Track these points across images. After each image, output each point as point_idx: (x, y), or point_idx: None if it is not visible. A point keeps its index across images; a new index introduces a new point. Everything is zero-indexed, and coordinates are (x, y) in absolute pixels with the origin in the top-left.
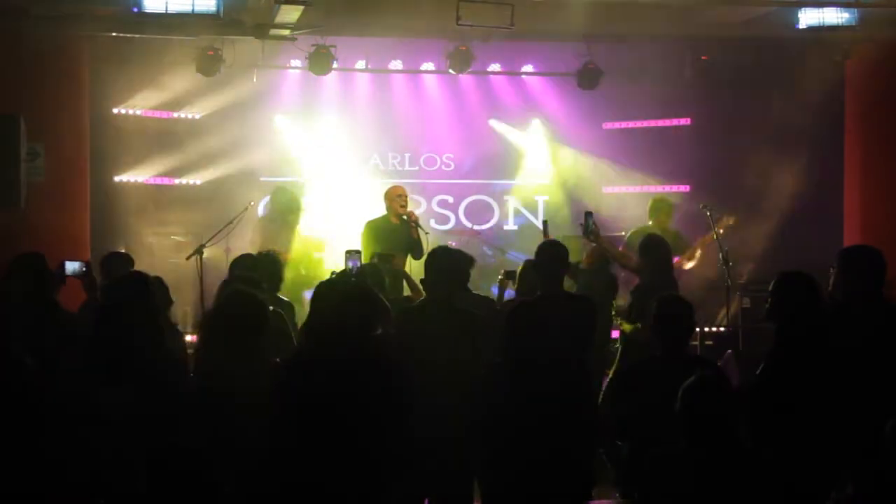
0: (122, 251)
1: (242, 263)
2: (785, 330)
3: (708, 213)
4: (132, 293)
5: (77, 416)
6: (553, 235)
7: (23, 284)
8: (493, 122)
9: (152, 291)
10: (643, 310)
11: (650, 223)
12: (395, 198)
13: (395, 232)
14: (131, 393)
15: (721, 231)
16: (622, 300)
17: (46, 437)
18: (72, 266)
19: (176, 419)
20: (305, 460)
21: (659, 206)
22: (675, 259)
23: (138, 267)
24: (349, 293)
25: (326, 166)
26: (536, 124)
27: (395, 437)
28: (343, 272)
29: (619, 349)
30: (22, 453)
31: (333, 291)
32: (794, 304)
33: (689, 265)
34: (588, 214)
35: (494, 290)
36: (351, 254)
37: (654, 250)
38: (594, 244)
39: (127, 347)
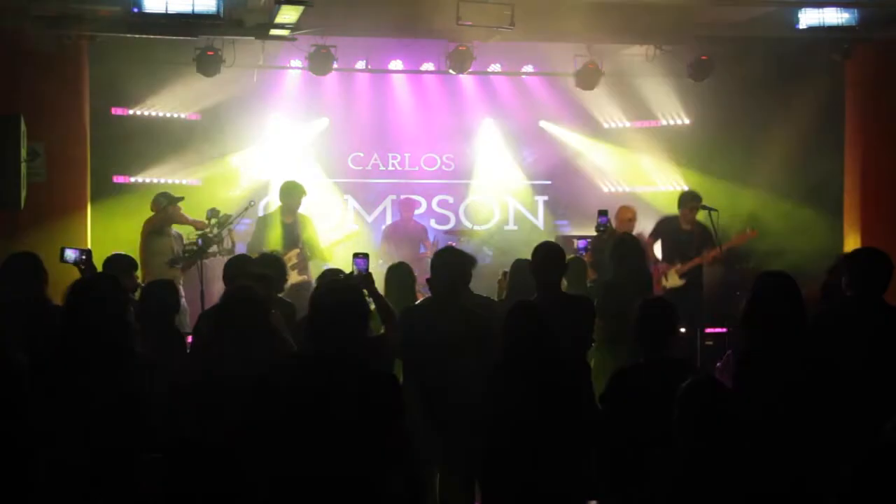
0: (125, 253)
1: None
2: (760, 334)
3: (710, 215)
4: (99, 293)
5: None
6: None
7: (16, 284)
8: (493, 122)
9: (119, 293)
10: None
11: (678, 214)
12: None
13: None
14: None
15: (740, 242)
16: None
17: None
18: (72, 253)
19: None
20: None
21: (686, 199)
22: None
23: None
24: None
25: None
26: (536, 124)
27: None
28: (350, 275)
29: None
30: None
31: None
32: (772, 306)
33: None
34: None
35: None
36: (359, 256)
37: (622, 253)
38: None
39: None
